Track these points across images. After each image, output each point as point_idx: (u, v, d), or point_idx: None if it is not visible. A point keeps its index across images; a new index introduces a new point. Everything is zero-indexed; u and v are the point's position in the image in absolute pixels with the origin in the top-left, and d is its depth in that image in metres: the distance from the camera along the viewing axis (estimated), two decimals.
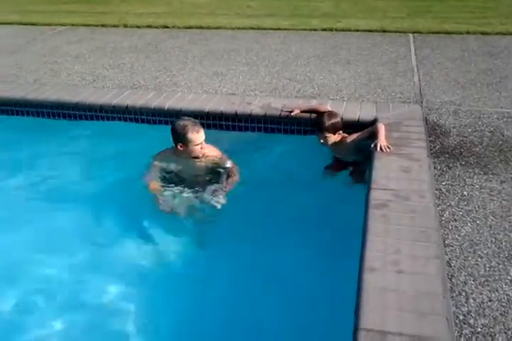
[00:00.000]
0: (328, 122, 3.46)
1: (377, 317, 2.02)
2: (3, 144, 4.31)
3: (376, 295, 2.13)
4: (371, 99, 4.27)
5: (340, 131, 3.55)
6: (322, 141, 3.51)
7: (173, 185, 3.60)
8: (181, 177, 3.67)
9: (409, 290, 2.14)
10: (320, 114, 3.65)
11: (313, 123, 3.67)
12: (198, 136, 3.40)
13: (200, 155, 3.53)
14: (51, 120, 4.52)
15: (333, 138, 3.52)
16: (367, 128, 3.57)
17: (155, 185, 3.56)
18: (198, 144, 3.43)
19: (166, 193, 3.53)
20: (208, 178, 3.63)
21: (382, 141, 3.32)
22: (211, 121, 4.09)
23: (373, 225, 2.57)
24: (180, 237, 3.32)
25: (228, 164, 3.59)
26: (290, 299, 2.77)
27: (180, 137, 3.40)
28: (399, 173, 3.03)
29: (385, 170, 3.06)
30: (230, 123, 4.10)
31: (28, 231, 3.36)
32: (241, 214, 3.34)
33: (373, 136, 3.42)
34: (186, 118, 3.49)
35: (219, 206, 3.35)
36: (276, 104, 4.09)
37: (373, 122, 3.72)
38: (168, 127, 3.96)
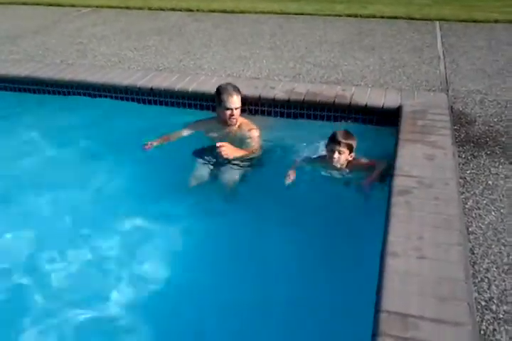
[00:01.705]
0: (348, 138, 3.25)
1: (398, 300, 2.04)
2: (31, 121, 4.44)
3: (398, 279, 2.15)
4: (396, 87, 4.24)
5: (353, 154, 3.33)
6: (335, 156, 3.25)
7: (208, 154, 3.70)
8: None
9: (431, 276, 2.16)
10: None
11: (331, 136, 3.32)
12: (230, 99, 3.58)
13: (230, 122, 3.66)
14: (77, 99, 4.59)
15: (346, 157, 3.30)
16: (376, 163, 3.38)
17: (172, 136, 3.81)
18: (228, 108, 3.58)
19: (199, 163, 3.66)
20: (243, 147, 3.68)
21: (373, 177, 3.28)
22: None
23: (397, 211, 2.58)
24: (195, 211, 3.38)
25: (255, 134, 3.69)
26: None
27: (216, 97, 3.63)
28: (423, 161, 3.02)
29: (409, 158, 3.06)
30: (253, 107, 4.10)
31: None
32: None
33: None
34: (231, 83, 3.71)
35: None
36: (300, 89, 4.09)
37: (398, 110, 3.71)
38: (192, 110, 4.00)
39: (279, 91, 4.08)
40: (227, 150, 3.48)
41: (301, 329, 2.51)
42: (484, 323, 1.98)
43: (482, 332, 1.96)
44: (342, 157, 3.27)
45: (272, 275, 2.83)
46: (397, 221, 2.51)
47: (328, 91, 4.01)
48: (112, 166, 3.85)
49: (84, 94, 4.57)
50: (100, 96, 4.52)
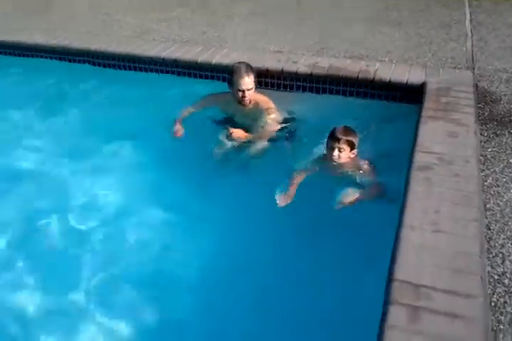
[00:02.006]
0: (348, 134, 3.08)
1: (412, 271, 2.09)
2: (57, 90, 4.57)
3: (413, 251, 2.20)
4: (421, 63, 4.19)
5: (355, 151, 3.15)
6: (335, 154, 3.07)
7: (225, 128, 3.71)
8: (233, 121, 3.79)
9: (446, 249, 2.20)
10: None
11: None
12: (241, 81, 3.50)
13: (243, 103, 3.62)
14: (101, 70, 4.65)
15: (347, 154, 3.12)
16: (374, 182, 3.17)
17: (185, 113, 3.82)
18: (240, 90, 3.53)
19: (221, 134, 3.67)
20: (255, 126, 3.68)
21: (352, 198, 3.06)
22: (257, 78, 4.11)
23: (415, 186, 2.60)
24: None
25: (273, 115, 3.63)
26: None
27: (229, 77, 3.59)
28: (445, 138, 3.02)
29: (430, 134, 3.06)
30: (275, 81, 4.11)
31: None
32: None
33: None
34: (245, 62, 3.64)
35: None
36: (323, 64, 4.07)
37: (422, 86, 3.68)
38: (214, 82, 4.01)
39: (301, 65, 4.07)
40: (238, 134, 3.54)
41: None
42: (495, 296, 2.02)
43: (493, 304, 2.01)
44: (343, 154, 3.09)
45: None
46: (415, 196, 2.54)
47: (351, 66, 3.98)
48: (134, 137, 3.91)
49: (109, 66, 4.63)
50: (125, 67, 4.57)
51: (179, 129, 3.77)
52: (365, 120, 3.68)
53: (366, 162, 3.22)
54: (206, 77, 4.32)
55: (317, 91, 4.01)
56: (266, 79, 4.11)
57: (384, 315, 1.94)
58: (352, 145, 3.09)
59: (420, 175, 2.69)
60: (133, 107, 4.21)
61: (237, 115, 3.78)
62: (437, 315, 1.90)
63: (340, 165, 3.17)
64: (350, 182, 3.16)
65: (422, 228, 2.32)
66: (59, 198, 3.42)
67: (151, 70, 4.48)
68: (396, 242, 2.26)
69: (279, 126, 3.68)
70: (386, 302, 1.98)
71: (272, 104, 3.69)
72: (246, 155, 3.59)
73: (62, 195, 3.44)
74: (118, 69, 4.60)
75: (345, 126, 3.13)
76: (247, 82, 3.52)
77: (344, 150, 3.08)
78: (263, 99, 3.71)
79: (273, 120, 3.66)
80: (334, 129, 3.11)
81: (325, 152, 3.22)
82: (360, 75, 3.83)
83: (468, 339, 1.81)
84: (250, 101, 3.64)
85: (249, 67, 3.59)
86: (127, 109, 4.21)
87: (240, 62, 3.66)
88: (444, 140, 2.99)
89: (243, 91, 3.54)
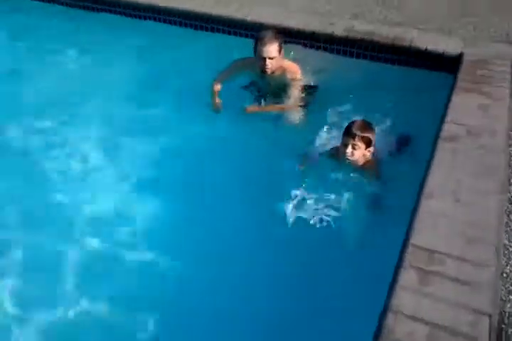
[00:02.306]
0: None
1: (427, 237, 2.13)
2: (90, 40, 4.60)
3: (430, 218, 2.23)
4: (460, 34, 4.07)
5: (371, 148, 2.93)
6: (348, 151, 2.85)
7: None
8: (259, 87, 3.77)
9: (464, 218, 2.22)
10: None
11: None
12: (263, 48, 3.39)
13: (266, 71, 3.51)
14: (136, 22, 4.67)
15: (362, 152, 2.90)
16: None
17: (217, 85, 3.73)
18: (263, 58, 3.43)
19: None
20: (282, 94, 3.64)
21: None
22: (293, 38, 4.05)
23: (440, 156, 2.60)
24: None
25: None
26: None
27: (253, 44, 3.48)
28: (475, 110, 2.98)
29: (461, 106, 3.02)
30: (310, 42, 4.05)
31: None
32: None
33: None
34: (272, 30, 3.55)
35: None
36: (360, 28, 3.99)
37: (459, 57, 3.60)
38: (249, 40, 3.95)
39: (338, 28, 4.00)
40: (252, 108, 3.57)
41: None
42: (508, 267, 2.06)
43: (505, 275, 2.04)
44: (357, 152, 2.85)
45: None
46: (438, 165, 2.55)
47: (388, 33, 3.90)
48: (170, 92, 3.96)
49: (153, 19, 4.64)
50: (165, 21, 4.57)
51: (218, 102, 3.74)
52: (395, 87, 3.66)
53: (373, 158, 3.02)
54: (241, 35, 4.27)
55: (351, 55, 3.95)
56: (300, 40, 4.05)
57: (396, 276, 1.99)
58: (368, 143, 2.85)
59: (446, 145, 2.68)
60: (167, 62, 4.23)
61: (262, 82, 3.71)
62: (448, 280, 1.95)
63: (353, 162, 2.94)
64: (356, 182, 3.00)
65: (442, 196, 2.34)
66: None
67: (185, 25, 4.49)
68: (414, 209, 2.29)
69: (302, 97, 3.61)
70: (399, 265, 2.03)
71: (298, 75, 3.58)
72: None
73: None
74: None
75: (363, 121, 2.90)
76: (270, 50, 3.39)
77: (359, 147, 2.84)
78: (291, 69, 3.59)
79: (297, 90, 3.58)
80: (351, 123, 2.87)
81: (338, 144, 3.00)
82: (395, 42, 3.76)
83: (475, 305, 1.85)
84: (273, 71, 3.53)
85: (275, 35, 3.46)
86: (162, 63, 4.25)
87: (267, 30, 3.54)
88: (475, 112, 2.96)
89: (265, 59, 3.43)
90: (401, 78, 3.72)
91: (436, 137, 2.76)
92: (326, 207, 2.89)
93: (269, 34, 3.45)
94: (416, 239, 2.12)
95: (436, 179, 2.45)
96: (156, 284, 2.65)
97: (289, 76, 3.60)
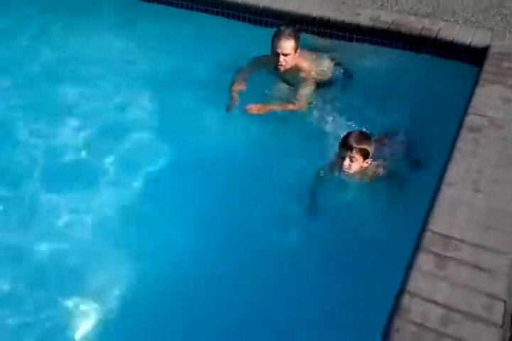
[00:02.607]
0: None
1: (445, 223, 2.18)
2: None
3: (449, 205, 2.27)
4: (487, 26, 4.05)
5: (369, 160, 2.82)
6: (346, 164, 2.75)
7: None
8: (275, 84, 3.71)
9: (482, 207, 2.27)
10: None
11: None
12: (278, 43, 3.33)
13: (279, 68, 3.45)
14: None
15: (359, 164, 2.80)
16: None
17: (236, 86, 3.64)
18: (276, 53, 3.38)
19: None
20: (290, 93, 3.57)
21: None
22: (316, 28, 4.09)
23: (462, 146, 2.64)
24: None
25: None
26: None
27: (271, 40, 3.42)
28: (499, 102, 2.99)
29: (485, 97, 3.03)
30: (335, 32, 4.07)
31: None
32: None
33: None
34: (293, 27, 3.48)
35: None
36: (386, 18, 3.99)
37: (485, 50, 3.59)
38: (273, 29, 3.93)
39: (364, 18, 4.01)
40: (254, 110, 3.42)
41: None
42: None
43: None
44: (354, 165, 2.75)
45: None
46: (460, 155, 2.58)
47: (414, 23, 3.89)
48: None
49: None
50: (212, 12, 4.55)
51: (236, 102, 3.58)
52: (420, 78, 3.67)
53: (380, 167, 2.94)
54: (266, 24, 4.28)
55: (376, 46, 3.96)
56: (326, 30, 4.07)
57: (412, 260, 2.04)
58: (366, 155, 2.75)
59: (468, 135, 2.71)
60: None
61: (275, 79, 3.64)
62: (463, 266, 2.00)
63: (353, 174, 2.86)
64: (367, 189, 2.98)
65: (462, 185, 2.38)
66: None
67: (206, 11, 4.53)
68: (434, 196, 2.34)
69: (312, 96, 3.52)
70: (416, 249, 2.08)
71: (312, 75, 3.53)
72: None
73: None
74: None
75: (360, 132, 2.81)
76: (286, 46, 3.34)
77: (356, 160, 2.74)
78: (305, 68, 3.53)
79: (308, 90, 3.50)
80: (347, 135, 2.77)
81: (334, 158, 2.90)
82: (422, 32, 3.76)
83: (491, 291, 1.90)
84: (286, 70, 3.48)
85: (293, 32, 3.39)
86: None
87: (286, 27, 3.46)
88: (499, 104, 2.97)
89: (279, 55, 3.37)
90: (426, 69, 3.72)
91: (459, 127, 2.79)
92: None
93: (287, 30, 3.39)
94: (434, 225, 2.16)
95: (457, 168, 2.48)
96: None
97: (302, 75, 3.53)
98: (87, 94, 3.89)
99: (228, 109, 3.55)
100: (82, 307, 2.52)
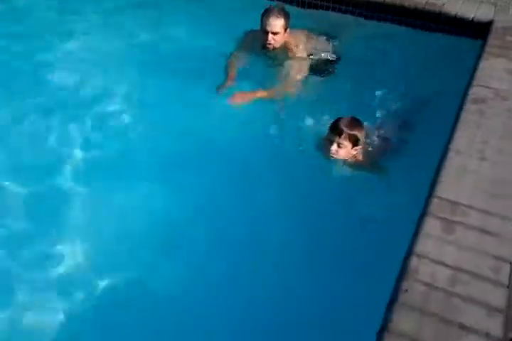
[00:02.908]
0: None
1: (452, 190, 2.20)
2: None
3: (455, 173, 2.29)
4: (491, 1, 4.01)
5: (358, 148, 2.74)
6: (333, 149, 2.68)
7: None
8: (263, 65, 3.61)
9: (488, 175, 2.29)
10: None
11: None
12: (267, 21, 3.27)
13: (267, 46, 3.38)
14: None
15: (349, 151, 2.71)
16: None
17: (236, 60, 3.55)
18: (265, 31, 3.31)
19: None
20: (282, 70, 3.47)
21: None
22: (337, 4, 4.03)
23: (467, 117, 2.65)
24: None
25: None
26: None
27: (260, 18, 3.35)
28: (504, 74, 2.99)
29: (490, 70, 3.03)
30: (337, 5, 4.03)
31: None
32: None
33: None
34: (281, 5, 3.43)
35: None
36: None
37: (489, 24, 3.58)
38: None
39: None
40: (238, 99, 3.26)
41: None
42: None
43: None
44: (342, 151, 2.68)
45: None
46: (465, 125, 2.59)
47: None
48: None
49: None
50: None
51: (233, 78, 3.47)
52: (422, 52, 3.66)
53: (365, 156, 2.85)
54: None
55: (378, 20, 3.93)
56: (328, 3, 4.04)
57: (419, 225, 2.07)
58: (355, 141, 2.67)
59: (473, 107, 2.72)
60: None
61: (264, 60, 3.53)
62: (471, 230, 2.03)
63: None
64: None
65: (468, 154, 2.40)
66: None
67: None
68: (440, 164, 2.36)
69: (303, 81, 3.41)
70: (423, 215, 2.10)
71: (302, 56, 3.45)
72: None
73: None
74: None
75: (351, 117, 2.69)
76: (274, 24, 3.27)
77: (345, 146, 2.66)
78: (295, 48, 3.44)
79: (297, 72, 3.40)
80: (338, 120, 2.67)
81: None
82: (426, 7, 3.74)
83: (497, 253, 1.93)
84: (275, 49, 3.39)
85: (283, 11, 3.33)
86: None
87: (276, 5, 3.40)
88: (503, 77, 2.97)
89: (267, 33, 3.30)
90: (429, 44, 3.72)
91: (463, 99, 2.80)
92: None
93: (276, 8, 3.33)
94: (441, 191, 2.18)
95: (462, 138, 2.50)
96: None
97: (291, 55, 3.44)
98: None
99: (219, 89, 3.40)
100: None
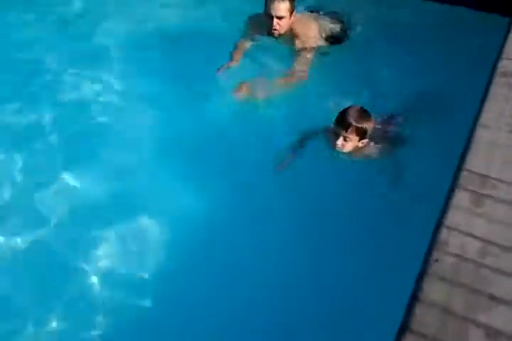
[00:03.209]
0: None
1: (481, 163, 2.16)
2: None
3: (484, 146, 2.25)
4: None
5: (365, 141, 2.65)
6: (339, 143, 2.59)
7: None
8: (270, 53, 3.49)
9: None
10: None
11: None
12: (272, 5, 3.12)
13: (273, 32, 3.25)
14: None
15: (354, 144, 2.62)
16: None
17: (245, 43, 3.45)
18: (270, 15, 3.17)
19: None
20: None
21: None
22: None
23: (495, 90, 2.59)
24: None
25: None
26: None
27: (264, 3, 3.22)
28: None
29: None
30: None
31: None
32: None
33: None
34: None
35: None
36: None
37: None
38: None
39: None
40: (242, 91, 3.13)
41: None
42: None
43: None
44: (348, 144, 2.58)
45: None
46: (494, 99, 2.54)
47: None
48: None
49: None
50: None
51: (237, 60, 3.39)
52: (448, 30, 3.59)
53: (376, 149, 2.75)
54: None
55: None
56: None
57: (448, 198, 2.05)
58: (363, 133, 2.56)
59: (502, 80, 2.66)
60: None
61: (270, 47, 3.42)
62: (500, 203, 2.00)
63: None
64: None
65: (497, 127, 2.35)
66: None
67: None
68: (469, 138, 2.32)
69: (311, 68, 3.28)
70: (452, 188, 2.08)
71: (311, 42, 3.29)
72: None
73: None
74: None
75: (360, 108, 2.57)
76: (279, 7, 3.11)
77: (351, 140, 2.56)
78: (303, 34, 3.28)
79: (304, 60, 3.26)
80: (345, 111, 2.54)
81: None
82: None
83: None
84: (281, 35, 3.27)
85: None
86: None
87: None
88: None
89: (272, 18, 3.15)
90: (455, 21, 3.65)
91: (492, 73, 2.73)
92: None
93: None
94: (470, 164, 2.15)
95: (491, 111, 2.45)
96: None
97: (299, 42, 3.29)
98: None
99: (219, 70, 3.32)
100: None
